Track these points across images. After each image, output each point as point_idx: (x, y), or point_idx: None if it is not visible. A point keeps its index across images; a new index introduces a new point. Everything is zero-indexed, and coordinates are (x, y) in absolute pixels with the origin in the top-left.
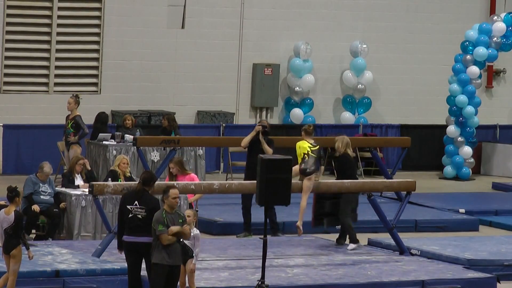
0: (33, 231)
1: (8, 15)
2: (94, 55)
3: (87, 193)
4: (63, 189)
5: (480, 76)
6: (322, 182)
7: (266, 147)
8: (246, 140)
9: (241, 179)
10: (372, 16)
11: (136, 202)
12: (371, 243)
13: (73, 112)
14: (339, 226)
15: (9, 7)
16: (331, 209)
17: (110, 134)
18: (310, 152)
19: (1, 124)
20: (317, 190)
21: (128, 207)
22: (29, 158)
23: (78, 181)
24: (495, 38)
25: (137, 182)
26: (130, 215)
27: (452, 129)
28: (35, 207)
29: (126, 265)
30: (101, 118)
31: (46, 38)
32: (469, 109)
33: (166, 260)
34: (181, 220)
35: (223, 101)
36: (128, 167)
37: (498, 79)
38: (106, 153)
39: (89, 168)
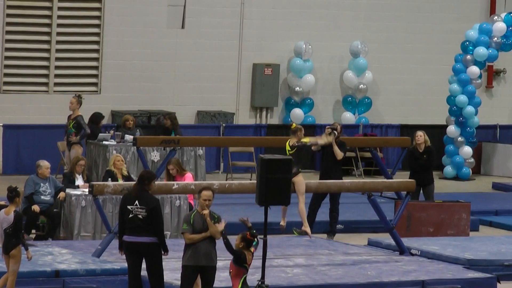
0: (33, 231)
1: (8, 15)
2: (94, 55)
3: (87, 193)
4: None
5: (480, 76)
6: (322, 182)
7: (336, 149)
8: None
9: (240, 179)
10: (372, 16)
11: (137, 202)
12: (371, 243)
13: (75, 112)
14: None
15: (9, 7)
16: None
17: (110, 134)
18: (288, 154)
19: (1, 124)
20: (317, 190)
21: (129, 207)
22: (29, 158)
23: (79, 181)
24: (495, 38)
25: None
26: (130, 215)
27: (452, 129)
28: (35, 207)
29: (126, 265)
30: (91, 118)
31: (46, 38)
32: (469, 109)
33: (194, 261)
34: (213, 221)
35: (223, 101)
36: (123, 164)
37: (498, 79)
38: (106, 153)
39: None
